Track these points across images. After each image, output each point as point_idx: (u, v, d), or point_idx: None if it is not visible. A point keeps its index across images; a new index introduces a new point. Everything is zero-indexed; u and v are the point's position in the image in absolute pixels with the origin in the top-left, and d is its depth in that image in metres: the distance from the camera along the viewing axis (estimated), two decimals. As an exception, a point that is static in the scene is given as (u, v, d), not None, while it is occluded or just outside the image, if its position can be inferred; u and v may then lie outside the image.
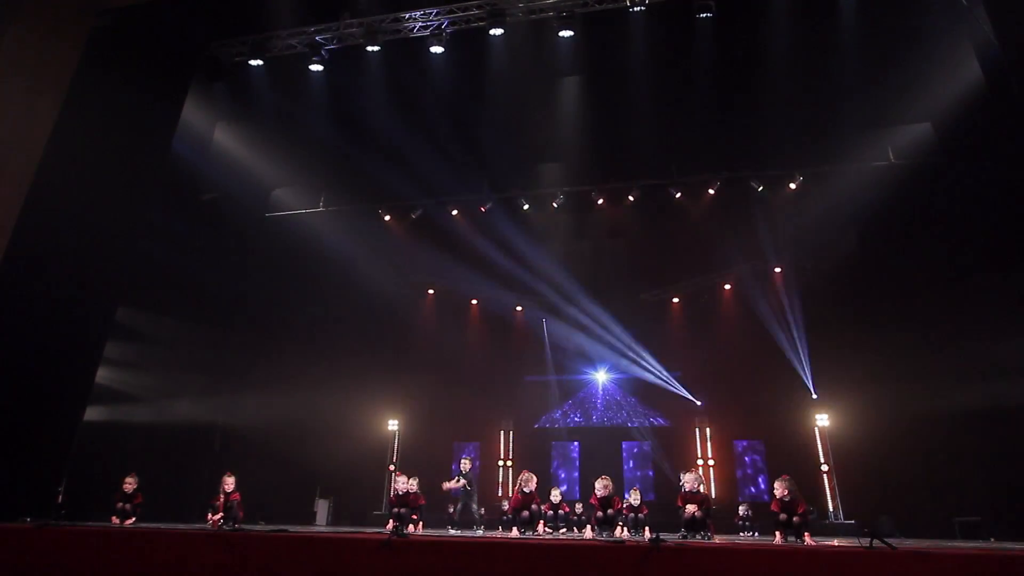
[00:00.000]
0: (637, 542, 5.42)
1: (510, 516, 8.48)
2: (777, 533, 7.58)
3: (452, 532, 10.00)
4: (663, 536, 5.38)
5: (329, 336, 18.52)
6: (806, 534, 6.93)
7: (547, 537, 7.27)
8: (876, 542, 5.03)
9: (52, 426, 10.19)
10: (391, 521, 8.92)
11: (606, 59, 13.66)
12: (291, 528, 7.45)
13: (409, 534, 6.02)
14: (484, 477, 18.39)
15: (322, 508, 17.35)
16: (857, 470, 15.50)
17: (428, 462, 18.50)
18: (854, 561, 5.02)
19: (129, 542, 6.42)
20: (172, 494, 13.94)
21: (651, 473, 18.64)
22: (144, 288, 12.84)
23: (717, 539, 7.84)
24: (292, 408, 16.96)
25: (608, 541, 5.67)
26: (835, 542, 7.65)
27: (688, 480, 8.23)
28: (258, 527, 7.90)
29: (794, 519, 7.38)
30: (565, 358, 20.04)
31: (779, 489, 7.60)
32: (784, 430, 17.01)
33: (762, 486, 17.19)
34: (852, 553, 5.04)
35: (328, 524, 16.84)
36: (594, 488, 8.58)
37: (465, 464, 10.44)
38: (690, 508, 7.99)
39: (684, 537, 7.75)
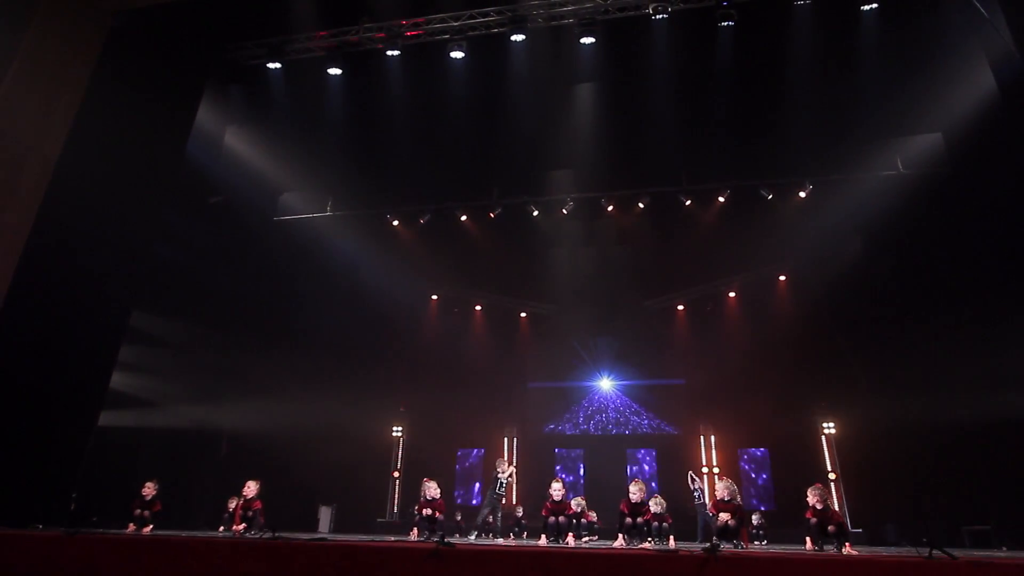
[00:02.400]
0: (691, 551, 5.36)
1: (543, 524, 8.35)
2: (807, 540, 7.66)
3: (470, 539, 9.86)
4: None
5: (335, 341, 18.36)
6: (847, 544, 6.92)
7: (606, 546, 7.18)
8: (936, 552, 5.01)
9: (66, 432, 10.00)
10: (416, 528, 8.81)
11: (621, 66, 13.75)
12: (330, 537, 7.30)
13: (454, 543, 5.92)
14: (486, 484, 18.29)
15: (325, 515, 17.09)
16: (864, 478, 15.55)
17: (432, 468, 18.41)
18: (914, 571, 4.99)
19: (164, 550, 6.25)
20: (179, 500, 13.71)
21: (654, 484, 18.62)
22: (157, 291, 12.65)
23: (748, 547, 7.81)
24: (296, 413, 16.76)
25: (662, 550, 5.61)
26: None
27: (720, 488, 8.19)
28: (265, 534, 7.71)
29: (829, 528, 7.37)
30: (570, 365, 20.04)
31: (812, 497, 7.59)
32: (790, 438, 17.04)
33: (771, 494, 17.23)
34: (911, 563, 5.01)
35: (331, 531, 16.61)
36: (628, 493, 8.37)
37: (504, 467, 10.31)
38: (723, 516, 7.96)
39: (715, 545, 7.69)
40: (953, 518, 13.48)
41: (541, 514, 8.45)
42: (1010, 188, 12.80)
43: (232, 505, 10.23)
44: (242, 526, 8.77)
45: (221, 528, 10.06)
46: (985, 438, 13.44)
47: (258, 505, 9.01)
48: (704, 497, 13.13)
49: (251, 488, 9.12)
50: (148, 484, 9.10)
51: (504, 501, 10.58)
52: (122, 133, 11.00)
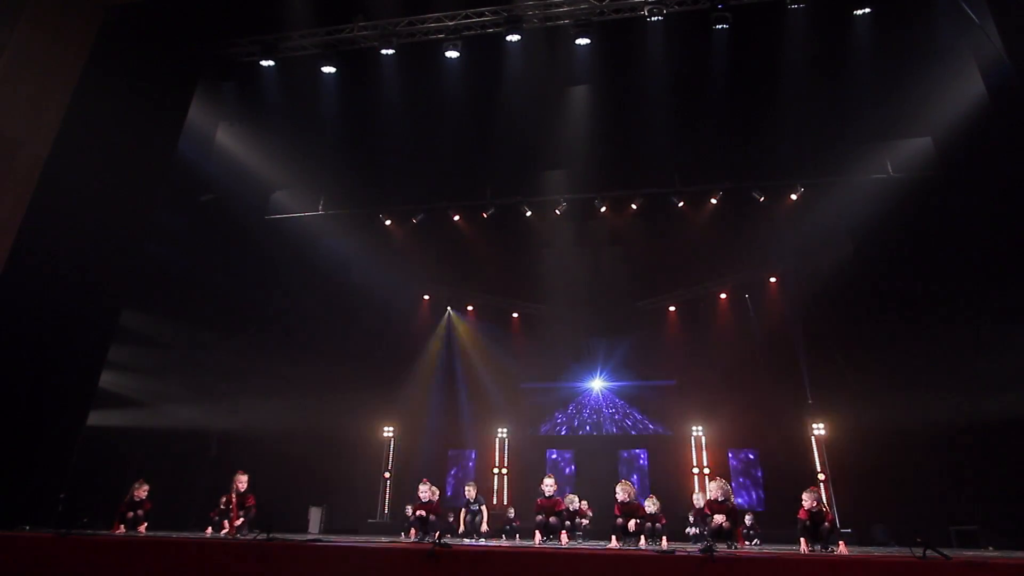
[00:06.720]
0: (688, 552, 5.38)
1: (538, 522, 8.35)
2: (802, 540, 7.69)
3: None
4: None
5: (326, 340, 18.25)
6: (841, 543, 6.97)
7: (601, 547, 7.18)
8: (930, 552, 5.05)
9: (55, 432, 9.88)
10: (412, 529, 8.77)
11: (615, 68, 13.75)
12: (325, 538, 7.27)
13: (451, 544, 5.91)
14: (479, 486, 18.22)
15: (314, 516, 16.98)
16: (853, 479, 15.64)
17: (423, 469, 18.34)
18: (908, 571, 5.04)
19: (157, 551, 6.21)
20: (168, 501, 13.56)
21: (646, 481, 18.65)
22: (147, 290, 12.51)
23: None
24: (286, 413, 16.65)
25: (660, 551, 5.62)
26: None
27: (713, 489, 8.21)
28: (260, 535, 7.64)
29: (823, 525, 7.40)
30: (561, 365, 20.03)
31: (808, 501, 7.60)
32: (780, 439, 17.12)
33: (761, 495, 17.30)
34: (905, 563, 5.06)
35: (321, 532, 16.52)
36: (615, 495, 8.44)
37: (471, 491, 10.33)
38: (717, 518, 7.99)
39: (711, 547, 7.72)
40: (940, 518, 13.60)
41: (533, 511, 8.47)
42: (999, 192, 12.95)
43: (224, 500, 10.10)
44: (239, 521, 8.67)
45: (209, 529, 9.89)
46: (973, 439, 13.60)
47: (252, 501, 8.93)
48: None
49: (243, 481, 9.03)
50: (136, 485, 9.02)
51: (485, 518, 10.43)
52: (113, 130, 10.89)
